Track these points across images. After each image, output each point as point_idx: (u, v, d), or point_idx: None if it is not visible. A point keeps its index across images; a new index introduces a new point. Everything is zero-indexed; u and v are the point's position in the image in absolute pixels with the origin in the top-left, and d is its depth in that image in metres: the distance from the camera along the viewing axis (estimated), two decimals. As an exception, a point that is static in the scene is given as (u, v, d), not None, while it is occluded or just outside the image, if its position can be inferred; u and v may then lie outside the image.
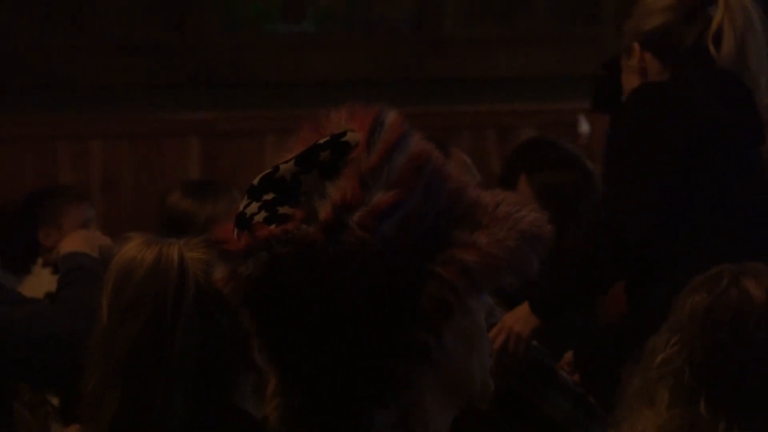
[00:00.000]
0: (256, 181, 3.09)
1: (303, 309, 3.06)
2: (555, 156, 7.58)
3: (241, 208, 3.06)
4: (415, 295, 3.04)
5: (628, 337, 6.03)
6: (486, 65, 11.16)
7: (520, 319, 5.75)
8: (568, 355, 5.89)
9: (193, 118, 10.70)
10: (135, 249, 4.20)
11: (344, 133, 3.10)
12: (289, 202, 3.02)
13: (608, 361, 5.42)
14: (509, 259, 3.07)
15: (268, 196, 3.05)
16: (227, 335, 4.04)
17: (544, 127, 11.09)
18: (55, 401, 7.13)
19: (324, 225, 2.94)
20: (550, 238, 3.12)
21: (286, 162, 3.09)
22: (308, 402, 3.17)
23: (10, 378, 5.60)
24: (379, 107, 3.12)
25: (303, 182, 3.03)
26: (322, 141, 3.10)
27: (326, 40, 10.98)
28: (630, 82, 6.84)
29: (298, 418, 3.20)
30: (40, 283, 7.19)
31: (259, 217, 3.01)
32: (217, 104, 10.63)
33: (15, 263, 8.31)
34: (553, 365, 5.30)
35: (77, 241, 5.88)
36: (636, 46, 6.78)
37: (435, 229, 3.08)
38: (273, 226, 2.97)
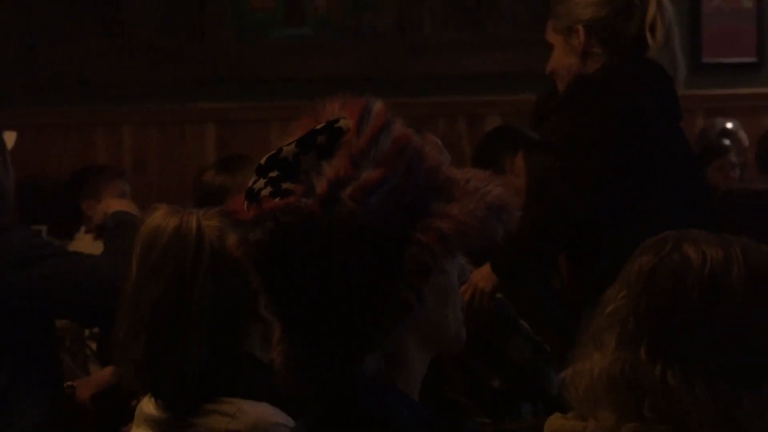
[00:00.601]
0: (263, 161, 3.17)
1: (302, 269, 3.12)
2: (538, 140, 7.61)
3: (250, 184, 3.14)
4: (398, 257, 3.09)
5: (567, 305, 6.10)
6: (457, 64, 11.16)
7: (484, 276, 5.78)
8: None
9: (210, 108, 10.71)
10: (160, 217, 4.24)
11: (338, 120, 3.17)
12: (291, 179, 3.09)
13: (556, 325, 5.43)
14: (478, 227, 3.12)
15: (273, 174, 3.11)
16: (237, 292, 4.05)
17: (505, 116, 11.09)
18: (93, 346, 7.13)
19: (320, 198, 3.01)
20: (514, 208, 3.18)
21: (289, 145, 3.15)
22: (307, 348, 3.22)
23: (64, 318, 5.88)
24: (367, 99, 3.21)
25: (303, 162, 3.10)
26: (319, 127, 3.17)
27: (323, 42, 10.97)
28: (566, 61, 7.02)
29: (299, 361, 3.25)
30: (82, 246, 7.18)
31: (265, 192, 3.08)
32: (230, 97, 10.63)
33: (61, 230, 8.33)
34: (516, 316, 5.30)
35: (122, 203, 6.14)
36: (581, 29, 6.74)
37: (415, 201, 3.13)
38: (277, 199, 3.04)
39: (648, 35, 6.58)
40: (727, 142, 10.60)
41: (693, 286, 2.80)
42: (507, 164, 6.96)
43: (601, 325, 2.83)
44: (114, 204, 6.12)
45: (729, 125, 10.82)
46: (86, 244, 7.01)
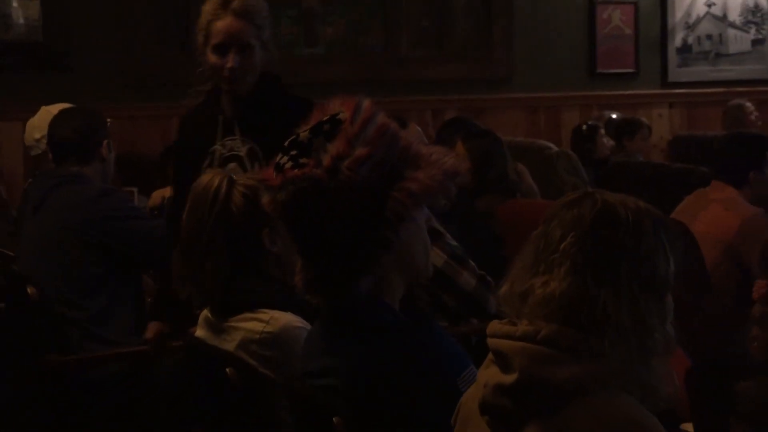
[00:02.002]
0: (286, 143, 3.31)
1: (315, 219, 3.22)
2: (477, 129, 7.54)
3: (277, 159, 3.28)
4: (381, 209, 3.20)
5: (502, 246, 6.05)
6: (425, 73, 11.09)
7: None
8: None
9: None
10: (208, 176, 4.26)
11: (338, 113, 3.29)
12: (306, 156, 3.23)
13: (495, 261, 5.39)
14: (437, 187, 3.27)
15: (293, 152, 3.25)
16: (246, 232, 4.12)
17: (459, 111, 11.05)
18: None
19: (326, 169, 3.17)
20: (463, 174, 3.33)
21: (304, 131, 3.30)
22: (320, 273, 3.32)
23: (136, 257, 5.81)
24: (359, 98, 3.31)
25: (314, 144, 3.25)
26: (325, 118, 3.30)
27: (330, 57, 10.92)
28: None
29: (315, 283, 3.35)
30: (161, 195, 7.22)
31: (287, 165, 3.23)
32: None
33: (148, 190, 8.28)
34: (467, 257, 5.27)
35: None
36: None
37: (392, 170, 3.24)
38: (296, 170, 3.20)
39: None
40: (644, 119, 10.61)
41: (622, 229, 2.78)
42: (456, 145, 6.90)
43: (551, 259, 2.80)
44: None
45: (614, 116, 10.77)
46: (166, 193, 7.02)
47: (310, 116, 3.60)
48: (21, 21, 10.23)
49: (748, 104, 11.01)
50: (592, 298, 2.74)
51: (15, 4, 10.18)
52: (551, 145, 9.44)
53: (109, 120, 6.14)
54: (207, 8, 4.93)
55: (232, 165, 4.90)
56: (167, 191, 6.87)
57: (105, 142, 5.86)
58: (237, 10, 4.85)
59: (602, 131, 10.05)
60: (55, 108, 6.40)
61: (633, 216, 2.85)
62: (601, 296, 2.74)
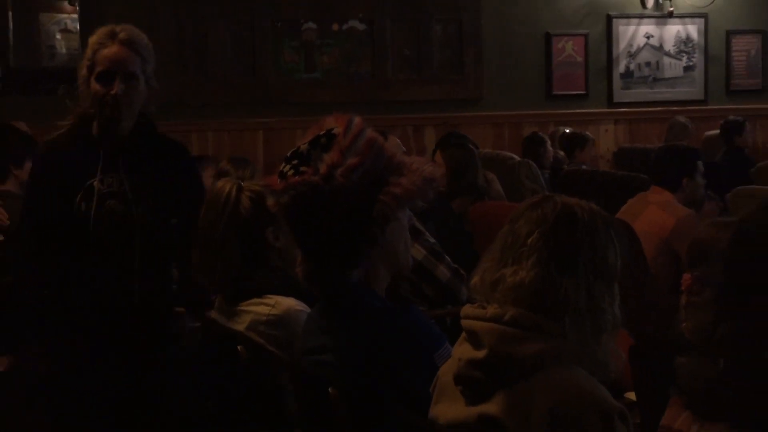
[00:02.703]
0: (288, 154, 3.28)
1: (313, 218, 3.21)
2: (454, 140, 7.51)
3: (281, 168, 3.26)
4: (369, 210, 3.20)
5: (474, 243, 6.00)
6: (407, 94, 11.07)
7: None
8: None
9: (260, 122, 10.60)
10: (221, 182, 4.28)
11: (333, 129, 3.28)
12: (305, 164, 3.21)
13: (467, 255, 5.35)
14: (418, 191, 3.26)
15: (294, 162, 3.23)
16: (254, 229, 4.08)
17: (437, 127, 11.02)
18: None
19: (322, 176, 3.17)
20: (439, 180, 3.33)
21: (304, 144, 3.27)
22: (318, 265, 3.30)
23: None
24: (350, 116, 3.31)
25: (312, 154, 3.25)
26: (322, 133, 3.28)
27: (326, 82, 10.90)
28: None
29: (313, 273, 3.33)
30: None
31: (289, 173, 3.22)
32: (273, 115, 10.53)
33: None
34: (443, 252, 5.26)
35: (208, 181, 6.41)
36: None
37: (379, 177, 3.23)
38: (297, 177, 3.19)
39: None
40: (590, 135, 10.61)
41: (580, 227, 2.78)
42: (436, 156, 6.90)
43: (519, 252, 2.79)
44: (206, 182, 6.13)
45: (567, 131, 10.75)
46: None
47: (185, 160, 4.45)
48: (63, 50, 10.25)
49: (683, 120, 11.01)
50: (555, 284, 2.75)
51: (58, 36, 10.21)
52: (514, 155, 9.41)
53: None
54: (93, 39, 4.37)
55: (112, 202, 4.25)
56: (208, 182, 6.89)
57: None
58: (124, 40, 4.34)
59: (548, 143, 10.03)
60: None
61: (588, 216, 2.86)
62: (563, 283, 2.75)
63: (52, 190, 4.34)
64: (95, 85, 4.29)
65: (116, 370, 4.34)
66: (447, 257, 5.22)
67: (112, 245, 4.25)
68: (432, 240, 5.20)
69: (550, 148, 9.96)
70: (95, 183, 4.25)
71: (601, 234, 2.87)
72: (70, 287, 4.31)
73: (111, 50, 4.29)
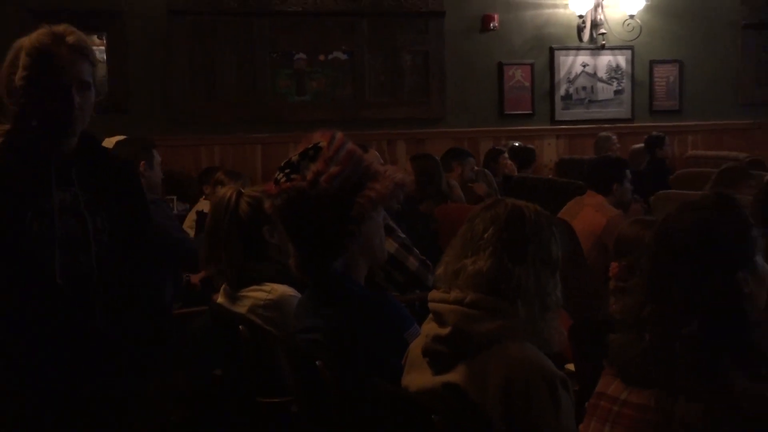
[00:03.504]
0: (282, 164, 3.30)
1: (301, 218, 3.23)
2: (420, 153, 7.51)
3: (275, 176, 3.29)
4: (349, 210, 3.21)
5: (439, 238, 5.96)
6: (383, 113, 11.02)
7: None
8: None
9: (258, 137, 10.52)
10: (224, 189, 4.28)
11: (319, 142, 3.28)
12: (296, 172, 3.23)
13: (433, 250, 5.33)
14: (390, 195, 3.28)
15: (287, 170, 3.25)
16: (253, 229, 4.08)
17: (407, 142, 11.01)
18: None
19: (309, 182, 3.19)
20: (410, 185, 3.34)
21: (295, 155, 3.29)
22: (306, 257, 3.31)
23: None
24: (333, 131, 3.32)
25: (301, 164, 3.27)
26: (309, 146, 3.29)
27: (315, 103, 10.87)
28: None
29: (303, 264, 3.33)
30: (202, 206, 7.14)
31: (283, 179, 3.24)
32: (269, 131, 10.46)
33: (184, 199, 8.21)
34: (412, 245, 5.26)
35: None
36: None
37: (357, 182, 3.24)
38: (288, 183, 3.21)
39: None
40: (534, 148, 10.61)
41: (528, 225, 2.78)
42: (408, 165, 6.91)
43: (477, 245, 2.80)
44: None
45: (516, 144, 10.73)
46: (204, 206, 6.94)
47: (130, 173, 3.49)
48: (92, 77, 10.17)
49: (613, 136, 11.04)
50: (508, 272, 2.78)
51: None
52: (476, 167, 9.40)
53: (155, 151, 6.10)
54: (30, 43, 3.13)
55: (71, 221, 3.10)
56: (201, 205, 6.89)
57: (142, 163, 5.80)
58: (74, 45, 3.14)
59: (506, 155, 10.01)
60: (114, 139, 6.36)
61: (534, 215, 2.87)
62: (515, 271, 2.78)
63: None
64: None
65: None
66: (416, 250, 5.21)
67: (71, 271, 3.09)
68: (403, 236, 5.19)
69: (505, 160, 9.95)
70: (50, 201, 3.10)
71: (546, 230, 2.88)
72: (16, 322, 3.10)
73: (61, 57, 3.11)
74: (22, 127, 3.15)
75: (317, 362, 3.13)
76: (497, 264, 2.80)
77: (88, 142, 3.28)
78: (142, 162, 5.84)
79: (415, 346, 2.95)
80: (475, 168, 8.81)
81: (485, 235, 2.84)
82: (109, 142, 6.54)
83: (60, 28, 3.17)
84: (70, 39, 3.14)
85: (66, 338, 3.11)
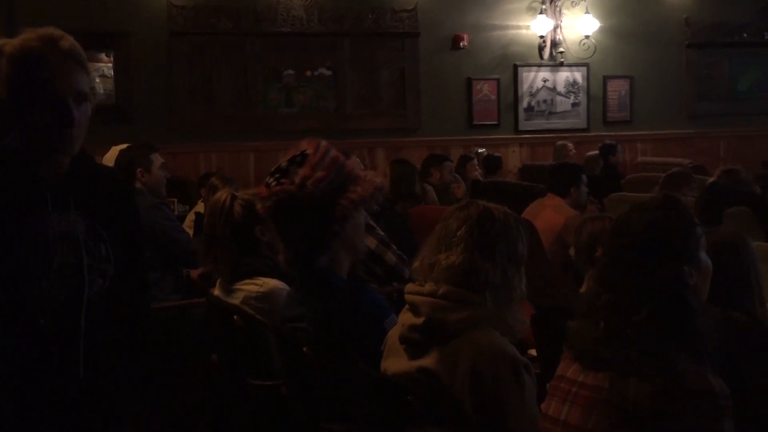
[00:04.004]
0: (272, 169, 3.26)
1: (290, 218, 3.19)
2: (399, 159, 7.50)
3: (266, 180, 3.24)
4: (333, 211, 3.16)
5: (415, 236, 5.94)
6: (363, 124, 11.02)
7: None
8: None
9: (251, 145, 10.50)
10: (220, 193, 4.23)
11: (305, 150, 3.24)
12: (285, 177, 3.19)
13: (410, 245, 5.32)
14: (370, 197, 3.25)
15: (277, 175, 3.21)
16: (244, 228, 4.03)
17: (386, 150, 11.00)
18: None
19: (297, 186, 3.15)
20: (386, 188, 3.34)
21: (284, 161, 3.25)
22: (294, 253, 3.27)
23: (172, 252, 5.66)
24: (318, 140, 3.27)
25: (290, 169, 3.22)
26: (297, 153, 3.25)
27: (302, 115, 10.85)
28: None
29: (292, 260, 3.30)
30: (199, 208, 7.12)
31: (273, 183, 3.21)
32: (262, 139, 10.45)
33: (185, 200, 8.17)
34: (390, 242, 5.25)
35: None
36: None
37: (340, 186, 3.20)
38: (278, 187, 3.17)
39: None
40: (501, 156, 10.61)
41: (496, 224, 2.77)
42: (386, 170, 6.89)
43: (451, 241, 2.79)
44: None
45: (482, 150, 10.74)
46: (201, 207, 6.91)
47: (126, 191, 2.96)
48: (101, 91, 10.22)
49: (569, 144, 11.05)
50: (478, 267, 2.77)
51: (97, 80, 10.19)
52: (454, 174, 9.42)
53: (157, 155, 6.07)
54: (19, 49, 2.48)
55: (68, 251, 2.46)
56: (199, 207, 6.88)
57: (138, 170, 5.78)
58: (69, 52, 2.51)
59: (474, 161, 10.01)
60: (119, 147, 6.38)
61: (502, 216, 2.86)
62: (484, 266, 2.77)
63: None
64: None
65: None
66: (393, 246, 5.21)
67: (56, 308, 2.46)
68: (382, 233, 5.18)
69: (475, 166, 9.95)
70: (45, 227, 2.47)
71: (513, 230, 2.87)
72: None
73: (55, 65, 2.46)
74: (10, 146, 2.48)
75: (304, 348, 3.11)
76: (468, 259, 2.79)
77: (83, 161, 2.60)
78: (139, 169, 5.82)
79: (393, 334, 2.94)
80: (454, 174, 8.79)
81: (458, 233, 2.83)
82: (115, 150, 6.54)
83: (49, 31, 2.52)
84: (64, 44, 2.50)
85: (41, 388, 2.48)
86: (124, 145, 6.39)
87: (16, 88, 2.45)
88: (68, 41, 2.53)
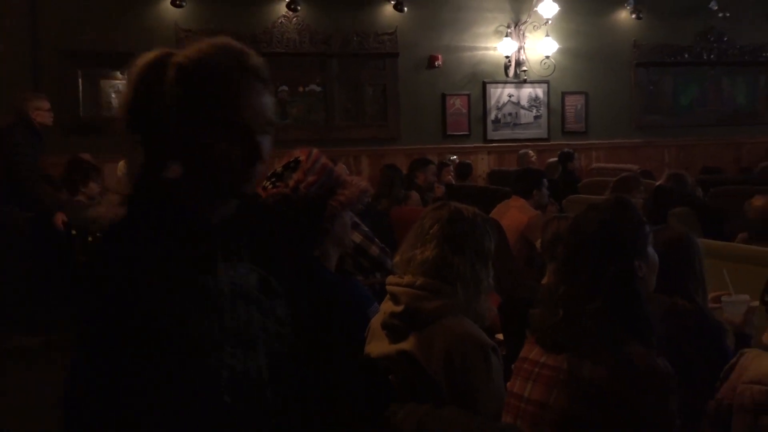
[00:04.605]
0: (269, 174, 3.20)
1: (286, 213, 3.04)
2: (390, 164, 7.49)
3: (264, 183, 3.18)
4: (322, 211, 3.11)
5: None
6: (349, 134, 11.00)
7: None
8: None
9: None
10: None
11: (298, 157, 3.18)
12: (281, 181, 3.14)
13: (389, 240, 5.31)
14: (356, 199, 3.20)
15: (273, 179, 3.16)
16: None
17: (369, 158, 10.99)
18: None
19: (291, 188, 3.09)
20: (370, 191, 3.33)
21: (280, 167, 3.18)
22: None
23: None
24: (310, 149, 3.23)
25: (285, 174, 3.17)
26: (291, 160, 3.19)
27: (294, 126, 10.81)
28: None
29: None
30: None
31: (270, 186, 3.14)
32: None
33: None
34: (374, 237, 5.24)
35: None
36: None
37: (329, 189, 3.17)
38: (275, 189, 3.10)
39: None
40: (471, 163, 10.60)
41: (466, 223, 2.77)
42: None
43: (426, 238, 2.79)
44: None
45: (454, 157, 10.73)
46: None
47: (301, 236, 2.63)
48: (116, 105, 10.13)
49: (531, 152, 11.07)
50: (449, 261, 2.76)
51: (113, 96, 10.16)
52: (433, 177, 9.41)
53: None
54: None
55: (243, 310, 1.74)
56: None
57: None
58: (259, 70, 1.87)
59: (450, 167, 10.02)
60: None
61: (471, 215, 2.86)
62: (455, 260, 2.77)
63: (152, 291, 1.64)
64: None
65: None
66: (377, 240, 5.21)
67: (241, 383, 1.72)
68: (366, 229, 5.18)
69: (450, 171, 9.96)
70: (216, 282, 1.72)
71: (480, 227, 2.87)
72: None
73: (244, 87, 1.79)
74: (173, 183, 1.75)
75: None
76: (440, 254, 2.79)
77: (252, 202, 1.93)
78: None
79: (376, 321, 2.94)
80: (433, 177, 8.80)
81: (431, 231, 2.83)
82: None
83: (228, 42, 1.88)
84: (251, 60, 1.86)
85: None
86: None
87: (187, 109, 1.72)
88: (255, 57, 1.89)
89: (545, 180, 6.99)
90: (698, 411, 2.63)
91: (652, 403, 2.27)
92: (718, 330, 3.07)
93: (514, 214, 6.56)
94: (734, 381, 2.58)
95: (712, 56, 12.83)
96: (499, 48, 11.66)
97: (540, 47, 11.73)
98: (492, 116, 11.77)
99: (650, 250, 2.47)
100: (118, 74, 10.10)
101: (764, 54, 13.02)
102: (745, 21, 12.80)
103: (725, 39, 12.84)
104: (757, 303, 3.12)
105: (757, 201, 4.58)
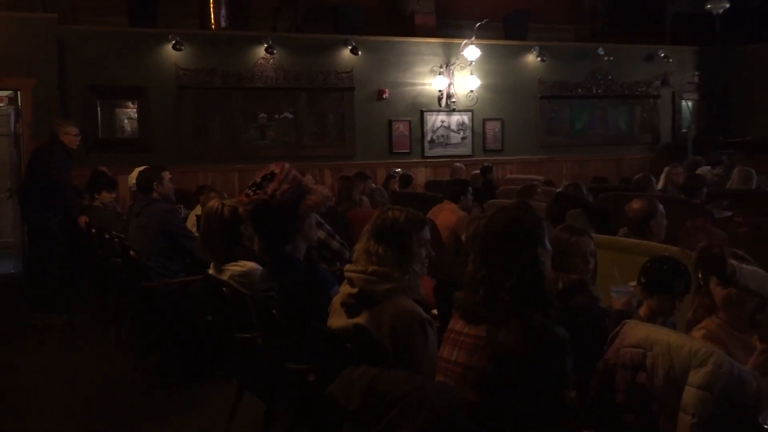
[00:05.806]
0: (250, 184, 3.23)
1: (263, 218, 3.14)
2: (344, 176, 7.46)
3: (246, 191, 3.19)
4: (294, 212, 3.08)
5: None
6: (315, 152, 10.92)
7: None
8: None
9: (235, 167, 10.22)
10: (212, 201, 4.17)
11: (274, 170, 3.24)
12: (259, 189, 3.15)
13: None
14: (321, 203, 3.20)
15: (254, 188, 3.20)
16: (232, 226, 3.98)
17: (332, 171, 10.94)
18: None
19: (269, 195, 3.05)
20: (331, 197, 3.29)
21: (259, 178, 3.20)
22: (266, 244, 3.20)
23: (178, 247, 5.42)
24: (284, 163, 3.24)
25: (263, 183, 3.13)
26: (268, 172, 3.20)
27: (272, 146, 10.70)
28: None
29: (264, 248, 3.22)
30: (197, 212, 6.94)
31: (251, 193, 3.16)
32: (242, 164, 10.25)
33: (188, 206, 8.01)
34: (335, 233, 5.22)
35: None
36: None
37: (300, 195, 3.16)
38: (254, 196, 3.11)
39: None
40: (411, 175, 10.57)
41: (408, 222, 2.80)
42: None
43: (372, 234, 2.79)
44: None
45: (398, 170, 10.69)
46: (199, 211, 6.76)
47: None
48: (128, 129, 10.05)
49: (461, 165, 11.10)
50: (392, 252, 2.75)
51: (126, 121, 10.01)
52: (373, 185, 9.38)
53: (166, 172, 5.95)
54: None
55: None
56: (197, 211, 6.72)
57: (154, 183, 5.69)
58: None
59: (395, 179, 10.02)
60: (139, 168, 6.27)
61: (412, 216, 2.86)
62: (396, 252, 2.77)
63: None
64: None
65: None
66: (337, 236, 5.19)
67: None
68: (328, 227, 5.16)
69: (395, 182, 9.95)
70: None
71: (418, 225, 2.87)
72: None
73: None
74: None
75: (273, 311, 3.09)
76: (384, 247, 2.78)
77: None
78: (155, 182, 5.74)
79: (336, 300, 2.92)
80: (372, 185, 8.76)
81: (380, 229, 2.83)
82: (137, 171, 6.42)
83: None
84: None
85: None
86: (143, 167, 6.28)
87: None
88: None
89: (470, 188, 7.03)
90: (589, 370, 2.66)
91: (553, 362, 2.28)
92: (600, 310, 3.13)
93: (446, 215, 6.59)
94: (617, 345, 2.62)
95: (599, 91, 13.00)
96: (433, 84, 11.70)
97: (466, 83, 11.80)
98: (428, 137, 11.78)
99: (547, 242, 2.49)
100: (130, 104, 10.02)
101: (639, 89, 13.26)
102: (626, 63, 13.02)
103: (610, 77, 13.03)
104: (634, 283, 3.17)
105: (635, 204, 4.65)
